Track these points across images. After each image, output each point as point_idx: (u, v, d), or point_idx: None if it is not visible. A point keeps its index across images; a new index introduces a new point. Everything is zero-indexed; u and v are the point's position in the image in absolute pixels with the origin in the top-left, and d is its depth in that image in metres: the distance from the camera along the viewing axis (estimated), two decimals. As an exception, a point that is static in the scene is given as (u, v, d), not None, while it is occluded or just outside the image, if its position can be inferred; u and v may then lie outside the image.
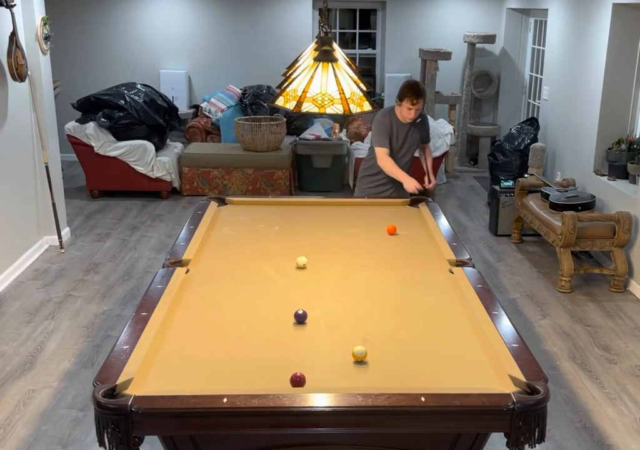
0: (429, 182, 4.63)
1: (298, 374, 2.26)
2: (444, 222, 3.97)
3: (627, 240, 5.01)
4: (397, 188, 4.64)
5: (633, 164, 5.38)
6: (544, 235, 5.44)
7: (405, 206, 4.40)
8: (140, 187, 7.29)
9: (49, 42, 5.58)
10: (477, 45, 8.57)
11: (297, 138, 7.73)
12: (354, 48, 9.34)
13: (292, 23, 8.80)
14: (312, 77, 2.84)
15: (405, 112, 4.47)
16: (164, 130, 7.47)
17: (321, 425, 2.17)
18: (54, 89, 6.22)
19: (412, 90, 4.39)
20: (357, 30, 9.30)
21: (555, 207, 5.40)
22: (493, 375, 2.33)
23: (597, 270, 5.27)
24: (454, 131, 7.70)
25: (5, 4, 4.86)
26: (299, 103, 2.81)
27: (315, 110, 2.83)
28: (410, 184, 4.45)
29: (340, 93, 2.78)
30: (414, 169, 7.18)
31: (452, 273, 3.20)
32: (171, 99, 7.99)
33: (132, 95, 7.18)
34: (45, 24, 5.47)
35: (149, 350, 2.44)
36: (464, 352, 2.52)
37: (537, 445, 2.18)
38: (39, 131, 5.58)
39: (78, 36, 8.66)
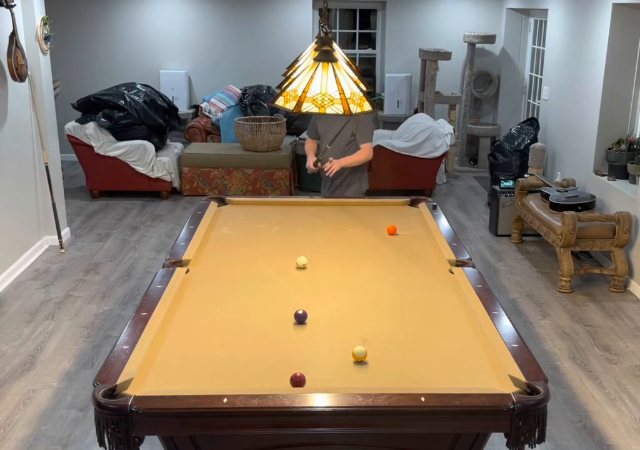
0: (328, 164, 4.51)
1: (298, 374, 2.26)
2: (444, 222, 3.97)
3: (627, 240, 5.01)
4: (331, 187, 4.81)
5: (633, 164, 5.38)
6: (544, 235, 5.44)
7: (405, 206, 4.40)
8: (140, 187, 7.29)
9: (49, 42, 5.58)
10: (477, 45, 8.57)
11: (297, 138, 7.73)
12: (354, 48, 9.34)
13: (292, 23, 8.80)
14: (312, 77, 2.84)
15: None
16: (164, 130, 7.47)
17: (321, 425, 2.17)
18: (54, 89, 6.22)
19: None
20: (357, 30, 9.30)
21: (555, 207, 5.40)
22: (493, 375, 2.33)
23: (597, 270, 5.27)
24: (454, 131, 7.70)
25: (5, 4, 4.86)
26: (299, 103, 2.81)
27: (315, 110, 2.83)
28: (308, 162, 4.67)
29: (340, 93, 2.78)
30: (411, 168, 7.22)
31: (452, 273, 3.20)
32: (171, 99, 7.99)
33: (132, 95, 7.18)
34: (45, 24, 5.47)
35: (149, 350, 2.44)
36: (464, 352, 2.52)
37: (537, 445, 2.18)
38: (39, 131, 5.58)
39: (78, 36, 8.67)
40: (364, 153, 4.61)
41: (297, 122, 8.31)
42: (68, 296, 4.91)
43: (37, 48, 5.42)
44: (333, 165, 4.47)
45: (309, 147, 4.86)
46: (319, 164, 4.63)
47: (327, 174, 4.53)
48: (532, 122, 7.30)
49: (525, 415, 2.12)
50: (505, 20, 8.79)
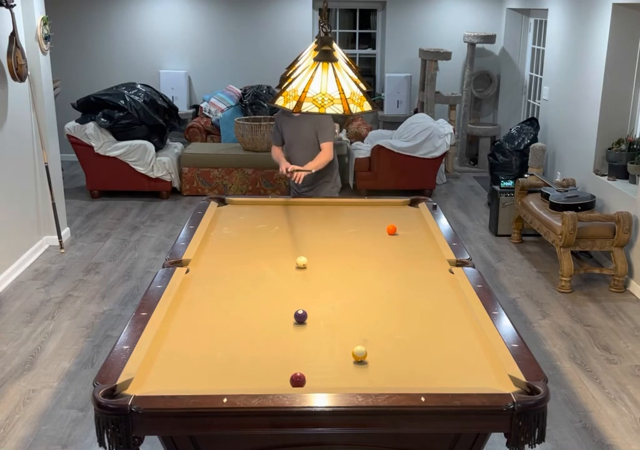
0: (296, 172, 4.37)
1: (298, 374, 2.26)
2: (444, 222, 3.97)
3: (627, 240, 5.01)
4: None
5: (633, 164, 5.38)
6: (544, 235, 5.44)
7: (405, 206, 4.40)
8: (140, 187, 7.29)
9: (49, 42, 5.58)
10: (477, 45, 8.57)
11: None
12: (354, 48, 9.34)
13: (292, 23, 8.80)
14: (312, 77, 2.84)
15: None
16: (164, 130, 7.47)
17: (321, 425, 2.17)
18: (54, 89, 6.22)
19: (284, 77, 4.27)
20: (357, 30, 9.30)
21: (555, 207, 5.40)
22: (493, 375, 2.33)
23: (597, 270, 5.27)
24: (454, 131, 7.70)
25: (5, 4, 4.86)
26: (299, 103, 2.81)
27: (315, 110, 2.83)
28: (281, 167, 4.56)
29: (340, 93, 2.78)
30: (411, 168, 7.23)
31: (452, 273, 3.20)
32: (171, 99, 7.99)
33: (132, 95, 7.18)
34: (45, 24, 5.47)
35: (149, 350, 2.44)
36: (464, 352, 2.52)
37: (537, 445, 2.18)
38: (39, 131, 5.58)
39: (78, 36, 8.67)
40: (325, 154, 4.47)
41: (297, 122, 8.30)
42: (68, 296, 4.91)
43: (37, 48, 5.42)
44: (299, 174, 4.34)
45: (277, 154, 4.75)
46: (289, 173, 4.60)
47: (296, 182, 4.39)
48: (532, 122, 7.30)
49: (525, 415, 2.12)
50: (505, 20, 8.79)
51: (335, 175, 4.84)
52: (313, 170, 4.43)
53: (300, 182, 4.40)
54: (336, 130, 7.79)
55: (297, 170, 4.38)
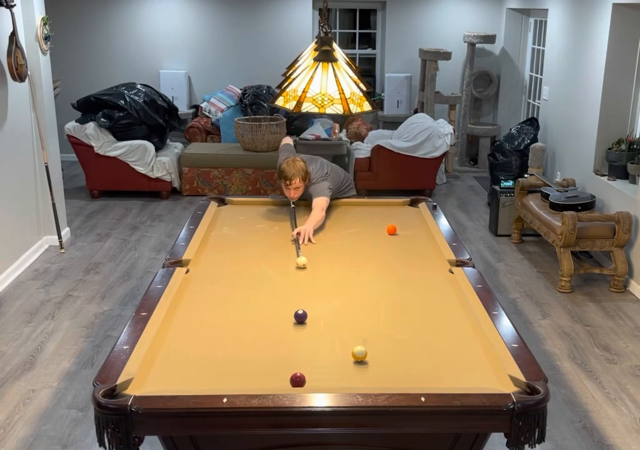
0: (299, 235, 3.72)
1: (298, 374, 2.26)
2: (444, 222, 3.97)
3: (627, 240, 5.01)
4: None
5: (633, 164, 5.38)
6: (544, 235, 5.44)
7: (405, 206, 4.40)
8: (140, 187, 7.29)
9: (49, 42, 5.58)
10: (477, 45, 8.57)
11: (297, 138, 7.73)
12: (354, 48, 9.34)
13: (292, 23, 8.80)
14: (312, 77, 2.84)
15: (285, 191, 4.16)
16: (164, 130, 7.46)
17: (321, 425, 2.17)
18: (54, 89, 6.22)
19: (281, 173, 4.08)
20: (357, 30, 9.30)
21: (555, 207, 5.40)
22: (493, 375, 2.33)
23: (597, 270, 5.27)
24: (454, 131, 7.70)
25: (5, 4, 4.86)
26: (299, 103, 2.81)
27: (315, 110, 2.83)
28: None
29: (340, 93, 2.79)
30: (411, 168, 7.23)
31: (452, 273, 3.20)
32: (171, 99, 7.99)
33: (132, 95, 7.18)
34: (45, 24, 5.47)
35: (149, 350, 2.44)
36: (464, 352, 2.52)
37: (537, 445, 2.18)
38: (39, 131, 5.58)
39: (78, 36, 8.67)
40: (314, 212, 3.96)
41: (297, 122, 8.31)
42: (68, 296, 4.91)
43: (37, 48, 5.42)
44: (304, 237, 3.69)
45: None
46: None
47: (306, 244, 3.68)
48: (532, 122, 7.29)
49: (525, 415, 2.12)
50: (505, 20, 8.78)
51: (352, 183, 4.63)
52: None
53: (308, 243, 3.72)
54: (336, 130, 7.79)
55: (299, 233, 3.76)
